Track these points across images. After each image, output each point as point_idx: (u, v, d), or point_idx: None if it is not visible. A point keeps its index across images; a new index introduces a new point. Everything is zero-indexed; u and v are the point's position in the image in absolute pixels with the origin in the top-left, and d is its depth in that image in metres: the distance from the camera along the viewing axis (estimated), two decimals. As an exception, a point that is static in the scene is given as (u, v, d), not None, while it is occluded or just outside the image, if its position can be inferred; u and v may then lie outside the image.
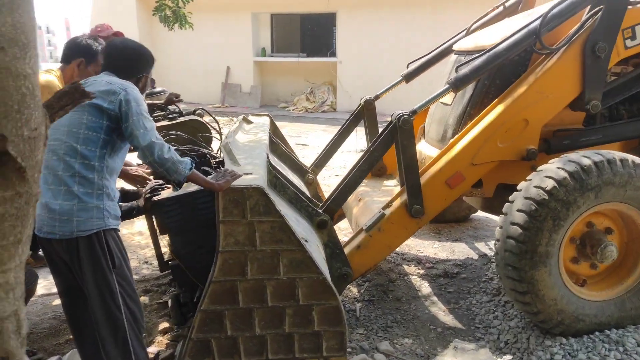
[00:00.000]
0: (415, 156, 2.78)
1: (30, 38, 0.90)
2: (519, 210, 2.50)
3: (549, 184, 2.46)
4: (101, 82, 1.97)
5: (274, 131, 3.76)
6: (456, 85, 2.79)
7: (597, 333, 2.64)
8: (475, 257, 4.02)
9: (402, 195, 2.84)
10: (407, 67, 4.10)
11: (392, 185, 3.83)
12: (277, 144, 3.50)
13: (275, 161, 3.08)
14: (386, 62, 12.17)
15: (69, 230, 1.84)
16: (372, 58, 12.80)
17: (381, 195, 3.57)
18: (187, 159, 2.04)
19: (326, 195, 3.21)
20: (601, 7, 2.75)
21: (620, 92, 3.00)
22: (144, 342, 2.07)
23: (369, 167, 2.85)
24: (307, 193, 3.16)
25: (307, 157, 4.65)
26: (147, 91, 2.57)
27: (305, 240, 2.22)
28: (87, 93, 1.04)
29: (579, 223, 2.59)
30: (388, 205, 2.88)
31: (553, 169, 2.52)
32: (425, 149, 3.53)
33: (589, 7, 2.81)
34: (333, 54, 13.72)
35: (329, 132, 9.68)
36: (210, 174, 2.21)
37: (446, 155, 2.88)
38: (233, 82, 14.65)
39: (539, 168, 2.60)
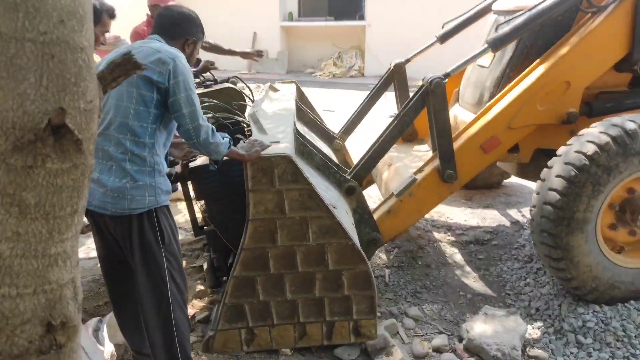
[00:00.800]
0: (448, 120, 2.70)
1: (87, 10, 0.90)
2: (557, 176, 2.42)
3: (590, 148, 2.36)
4: (148, 50, 1.86)
5: (301, 98, 3.71)
6: (495, 45, 2.66)
7: (632, 302, 2.58)
8: (507, 224, 3.95)
9: (435, 160, 2.79)
10: (443, 28, 3.93)
11: (424, 151, 3.75)
12: (304, 111, 3.46)
13: (302, 129, 3.05)
14: (416, 26, 11.71)
15: (121, 208, 1.82)
16: (402, 21, 12.36)
17: (412, 160, 3.51)
18: (227, 139, 2.00)
19: (354, 161, 3.18)
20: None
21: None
22: (187, 311, 2.11)
23: (399, 133, 2.80)
24: (335, 160, 3.14)
25: (334, 124, 4.59)
26: None
27: (334, 207, 2.22)
28: (139, 64, 1.02)
29: (619, 189, 2.50)
30: (420, 170, 2.83)
31: (595, 133, 2.41)
32: (459, 113, 3.42)
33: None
34: (362, 18, 13.32)
35: (356, 98, 9.52)
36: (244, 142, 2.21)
37: (482, 119, 2.79)
38: (260, 48, 14.47)
39: (580, 132, 2.50)
